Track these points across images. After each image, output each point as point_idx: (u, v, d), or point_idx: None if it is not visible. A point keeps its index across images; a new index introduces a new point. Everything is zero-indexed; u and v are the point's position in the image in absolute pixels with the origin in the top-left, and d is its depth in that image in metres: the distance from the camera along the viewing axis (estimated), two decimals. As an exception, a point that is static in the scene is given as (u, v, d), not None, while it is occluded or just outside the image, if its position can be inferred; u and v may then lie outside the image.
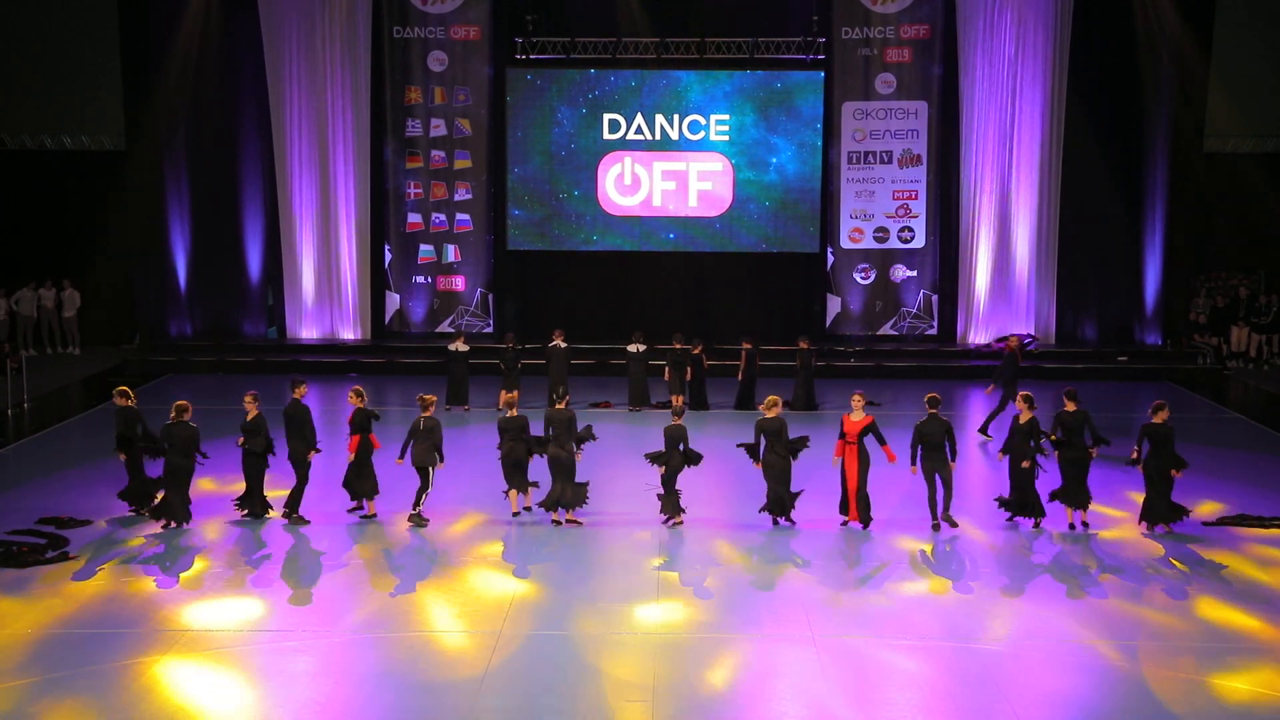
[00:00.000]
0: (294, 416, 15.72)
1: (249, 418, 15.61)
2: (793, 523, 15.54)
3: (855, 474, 15.43)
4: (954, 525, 15.39)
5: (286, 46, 26.77)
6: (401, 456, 15.55)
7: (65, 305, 27.62)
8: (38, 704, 10.59)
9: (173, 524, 15.30)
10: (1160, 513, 15.29)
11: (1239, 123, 27.55)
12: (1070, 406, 15.60)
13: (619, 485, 16.62)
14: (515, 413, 15.59)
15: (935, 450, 15.29)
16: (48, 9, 27.80)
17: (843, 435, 15.51)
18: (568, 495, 15.43)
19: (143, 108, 26.64)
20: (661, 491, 15.60)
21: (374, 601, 13.11)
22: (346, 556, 14.53)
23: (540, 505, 15.69)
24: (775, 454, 15.37)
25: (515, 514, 15.70)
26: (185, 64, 26.35)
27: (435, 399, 15.90)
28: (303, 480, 15.63)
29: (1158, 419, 15.16)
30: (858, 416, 15.49)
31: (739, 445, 15.92)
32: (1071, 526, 15.43)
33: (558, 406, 15.81)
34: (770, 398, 15.70)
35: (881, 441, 15.38)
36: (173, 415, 15.38)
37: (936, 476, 15.32)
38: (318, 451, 15.91)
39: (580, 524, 15.47)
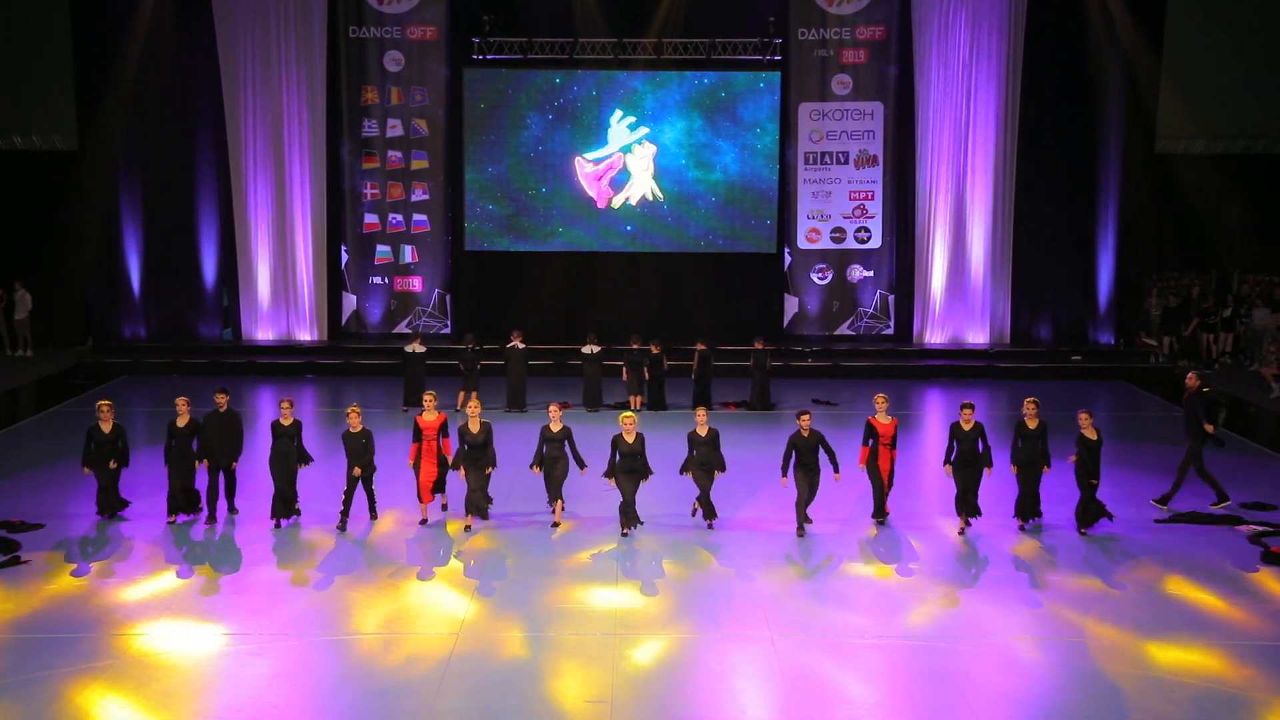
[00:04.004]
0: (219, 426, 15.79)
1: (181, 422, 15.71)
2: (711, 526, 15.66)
3: (889, 474, 15.72)
4: (809, 521, 15.54)
5: (241, 46, 26.59)
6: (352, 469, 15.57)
7: (17, 307, 27.29)
8: (-10, 710, 10.50)
9: (105, 516, 15.59)
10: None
11: (1191, 124, 27.87)
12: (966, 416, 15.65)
13: (576, 487, 16.57)
14: (478, 425, 15.47)
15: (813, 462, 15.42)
16: (-3, 7, 27.54)
17: (873, 439, 15.60)
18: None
19: (95, 108, 26.39)
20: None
21: (330, 604, 13.05)
22: (303, 560, 14.46)
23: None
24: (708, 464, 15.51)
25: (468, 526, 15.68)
26: (138, 63, 26.13)
27: (360, 410, 15.78)
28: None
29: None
30: (886, 419, 15.71)
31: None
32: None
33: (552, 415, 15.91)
34: (700, 412, 15.79)
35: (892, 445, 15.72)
36: (102, 415, 15.53)
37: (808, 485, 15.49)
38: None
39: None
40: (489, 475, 15.51)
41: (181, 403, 15.72)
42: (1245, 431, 21.39)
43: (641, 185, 27.36)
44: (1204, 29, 27.35)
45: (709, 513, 15.61)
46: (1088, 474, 15.29)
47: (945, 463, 15.57)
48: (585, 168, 27.32)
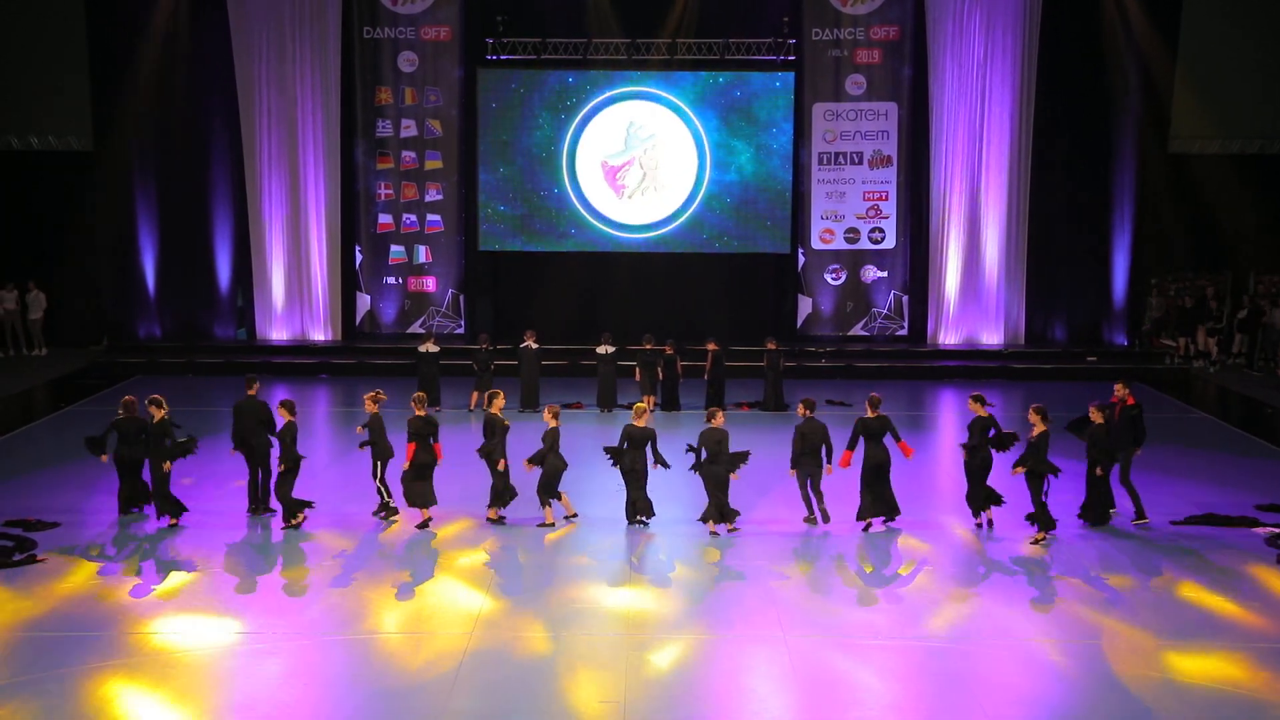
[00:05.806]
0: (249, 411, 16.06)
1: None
2: (735, 529, 15.44)
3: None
4: (827, 519, 15.53)
5: (256, 46, 26.67)
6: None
7: (31, 307, 27.36)
8: (4, 707, 10.50)
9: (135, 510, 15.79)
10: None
11: (1205, 125, 27.76)
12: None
13: (588, 486, 16.57)
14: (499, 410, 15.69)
15: (814, 453, 15.42)
16: (14, 8, 27.51)
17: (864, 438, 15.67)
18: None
19: (111, 108, 26.54)
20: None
21: (344, 604, 13.05)
22: (316, 559, 14.47)
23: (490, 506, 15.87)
24: (718, 464, 15.30)
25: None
26: (154, 64, 26.28)
27: (385, 396, 16.15)
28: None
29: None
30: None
31: (688, 450, 15.55)
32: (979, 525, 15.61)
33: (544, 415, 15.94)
34: (715, 412, 15.79)
35: (897, 438, 15.65)
36: (120, 411, 15.75)
37: (809, 479, 15.54)
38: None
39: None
40: (503, 469, 15.54)
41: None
42: (1263, 434, 21.30)
43: (654, 185, 27.35)
44: (1219, 29, 27.25)
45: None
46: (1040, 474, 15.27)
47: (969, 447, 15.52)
48: (599, 168, 27.32)
